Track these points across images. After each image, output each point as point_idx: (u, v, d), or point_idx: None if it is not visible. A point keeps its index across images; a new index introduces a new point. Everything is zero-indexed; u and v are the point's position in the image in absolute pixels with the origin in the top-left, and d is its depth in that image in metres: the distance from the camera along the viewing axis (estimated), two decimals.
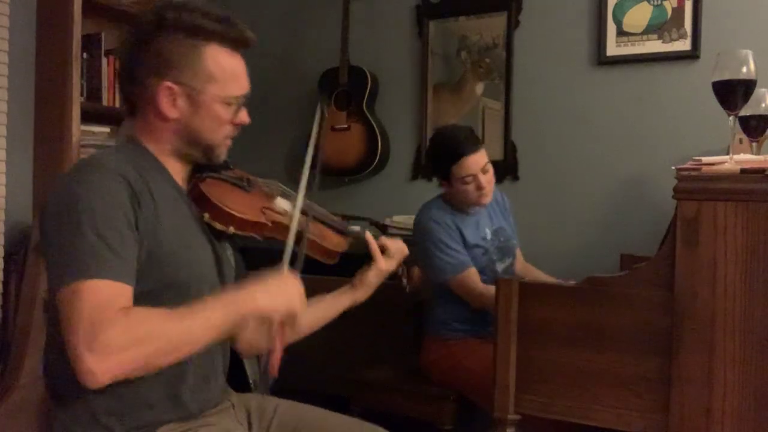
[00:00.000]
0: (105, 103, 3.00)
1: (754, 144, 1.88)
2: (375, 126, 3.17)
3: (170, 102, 1.30)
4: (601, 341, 1.56)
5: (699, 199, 1.46)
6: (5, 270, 2.67)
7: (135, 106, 1.35)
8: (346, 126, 3.20)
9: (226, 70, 1.33)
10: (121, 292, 1.14)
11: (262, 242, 1.43)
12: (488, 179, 2.33)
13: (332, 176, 3.29)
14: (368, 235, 1.61)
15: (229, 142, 1.39)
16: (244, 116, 1.38)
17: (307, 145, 1.51)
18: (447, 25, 3.16)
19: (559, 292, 1.64)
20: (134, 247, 1.20)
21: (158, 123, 1.32)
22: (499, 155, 3.03)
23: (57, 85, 2.70)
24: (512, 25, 3.01)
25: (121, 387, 1.23)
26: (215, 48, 1.32)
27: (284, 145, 3.47)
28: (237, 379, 1.67)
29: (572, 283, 1.68)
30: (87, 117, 2.85)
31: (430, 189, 3.18)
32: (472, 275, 2.30)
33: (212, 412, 1.38)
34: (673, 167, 1.59)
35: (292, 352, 1.49)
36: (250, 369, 2.09)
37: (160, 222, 1.25)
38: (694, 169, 1.54)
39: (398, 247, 1.62)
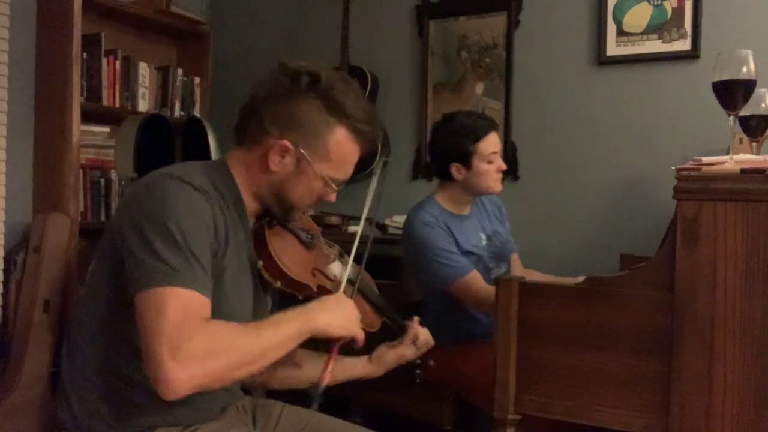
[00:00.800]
0: (105, 103, 3.00)
1: (754, 144, 1.88)
2: None
3: (279, 157, 1.32)
4: (601, 341, 1.56)
5: (699, 199, 1.46)
6: (5, 270, 2.67)
7: (245, 138, 1.37)
8: None
9: (343, 157, 1.36)
10: (204, 303, 1.16)
11: None
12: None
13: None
14: (414, 324, 1.64)
15: (309, 210, 1.45)
16: (333, 197, 1.41)
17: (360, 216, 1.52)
18: (447, 25, 3.17)
19: (559, 292, 1.64)
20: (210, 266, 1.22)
21: (257, 167, 1.34)
22: None
23: (57, 85, 2.70)
24: (512, 25, 3.02)
25: (126, 389, 1.25)
26: (344, 132, 1.34)
27: None
28: None
29: (582, 278, 1.67)
30: (87, 117, 2.85)
31: (430, 189, 3.17)
32: (476, 278, 2.22)
33: (220, 413, 1.39)
34: (673, 167, 1.59)
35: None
36: None
37: (225, 253, 1.27)
38: (694, 169, 1.54)
39: (427, 339, 1.65)
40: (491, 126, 2.30)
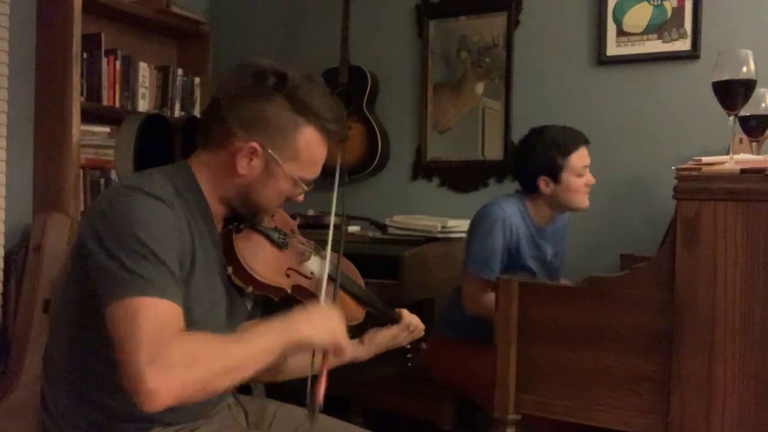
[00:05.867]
0: (105, 102, 3.00)
1: (754, 144, 1.88)
2: (375, 126, 3.17)
3: (247, 160, 1.29)
4: (601, 341, 1.56)
5: (699, 199, 1.46)
6: (5, 270, 2.67)
7: (209, 141, 1.32)
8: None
9: (312, 156, 1.33)
10: (177, 312, 1.14)
11: None
12: None
13: (332, 176, 3.29)
14: (405, 312, 1.61)
15: (277, 212, 1.41)
16: (301, 197, 1.39)
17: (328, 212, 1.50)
18: (447, 25, 3.16)
19: (559, 292, 1.64)
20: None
21: (224, 171, 1.31)
22: (499, 155, 3.03)
23: (57, 85, 2.70)
24: (512, 24, 3.01)
25: (100, 397, 1.24)
26: (313, 132, 1.32)
27: None
28: None
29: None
30: (87, 117, 2.85)
31: (430, 189, 3.19)
32: (487, 287, 2.20)
33: (210, 413, 1.38)
34: (673, 167, 1.59)
35: None
36: None
37: (194, 261, 1.25)
38: (694, 169, 1.55)
39: (420, 327, 1.63)
40: (583, 140, 2.27)
